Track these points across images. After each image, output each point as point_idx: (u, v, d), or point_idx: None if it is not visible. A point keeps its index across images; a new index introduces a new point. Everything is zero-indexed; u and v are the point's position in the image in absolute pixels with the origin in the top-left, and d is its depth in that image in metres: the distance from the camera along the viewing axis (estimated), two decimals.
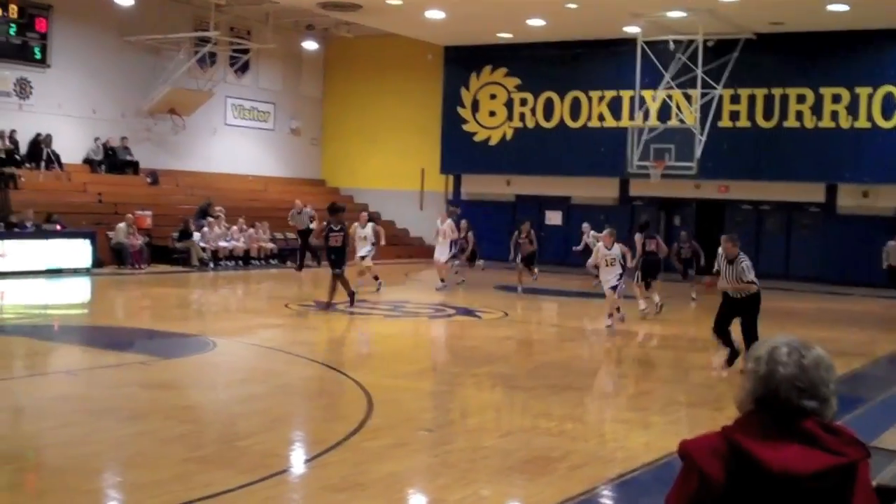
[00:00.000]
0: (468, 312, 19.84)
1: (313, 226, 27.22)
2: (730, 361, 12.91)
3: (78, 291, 22.47)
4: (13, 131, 28.21)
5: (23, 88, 29.10)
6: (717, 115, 29.92)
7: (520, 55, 34.03)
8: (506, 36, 32.72)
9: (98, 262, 25.23)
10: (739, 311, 12.89)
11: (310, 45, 36.28)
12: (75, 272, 23.99)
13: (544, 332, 19.02)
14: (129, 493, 7.45)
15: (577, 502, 7.37)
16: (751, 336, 12.41)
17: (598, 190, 33.56)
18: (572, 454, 8.78)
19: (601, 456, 8.88)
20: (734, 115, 30.71)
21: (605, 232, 17.88)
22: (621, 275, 17.21)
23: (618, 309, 17.31)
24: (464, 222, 26.31)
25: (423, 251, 35.55)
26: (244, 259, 29.11)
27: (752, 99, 30.54)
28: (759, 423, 2.75)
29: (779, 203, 31.26)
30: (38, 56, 29.43)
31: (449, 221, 24.80)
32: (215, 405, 10.33)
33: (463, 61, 35.39)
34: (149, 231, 27.56)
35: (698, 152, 28.68)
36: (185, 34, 32.03)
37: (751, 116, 30.54)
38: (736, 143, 30.30)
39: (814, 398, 2.75)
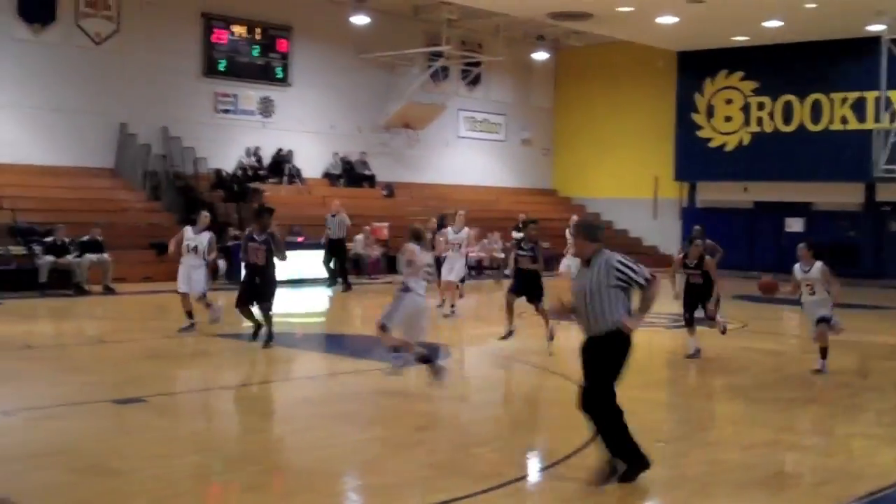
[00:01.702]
0: (704, 322, 19.29)
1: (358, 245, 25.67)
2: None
3: (318, 301, 23.23)
4: (257, 148, 29.60)
5: (266, 107, 30.45)
6: None
7: (756, 58, 33.06)
8: (741, 39, 31.85)
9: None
10: None
11: (540, 55, 36.35)
12: (314, 282, 24.81)
13: (786, 344, 18.29)
14: (368, 497, 7.59)
15: None
16: None
17: (842, 195, 32.16)
18: (817, 470, 8.39)
19: (849, 472, 8.44)
20: None
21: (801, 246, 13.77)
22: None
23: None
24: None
25: (657, 260, 34.92)
26: (477, 269, 29.39)
27: None
28: None
29: None
30: (280, 75, 30.73)
31: (466, 229, 19.97)
32: (451, 412, 10.42)
33: (696, 66, 34.68)
34: (385, 242, 28.25)
35: None
36: (418, 50, 32.73)
37: None
38: None
39: None
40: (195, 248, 15.42)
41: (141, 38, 27.47)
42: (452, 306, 19.20)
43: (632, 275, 7.61)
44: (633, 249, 35.36)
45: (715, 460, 8.75)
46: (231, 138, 29.30)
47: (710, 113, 34.73)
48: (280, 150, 30.32)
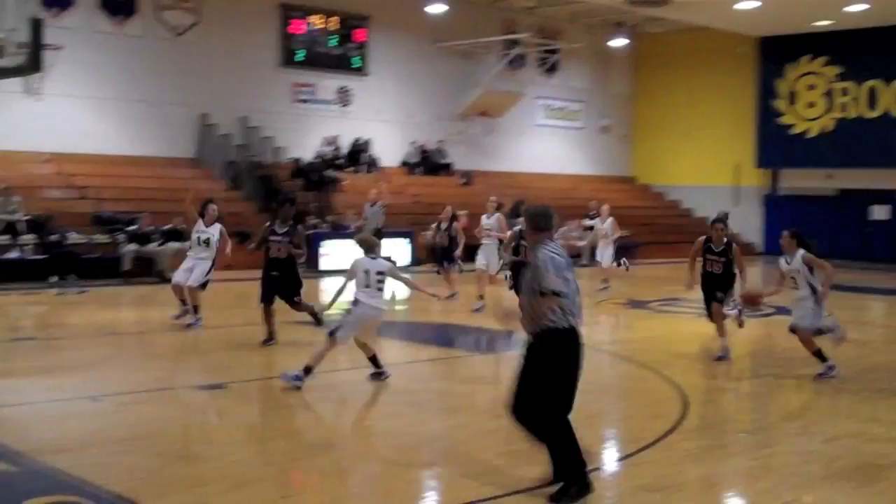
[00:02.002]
0: (789, 312, 19.01)
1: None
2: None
3: (397, 288, 23.30)
4: (335, 137, 29.79)
5: (344, 96, 30.63)
6: None
7: (840, 43, 32.44)
8: (824, 23, 31.24)
9: (416, 261, 26.15)
10: None
11: (618, 42, 36.07)
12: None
13: (872, 333, 17.92)
14: (448, 484, 7.60)
15: None
16: None
17: None
18: None
19: None
20: None
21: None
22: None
23: None
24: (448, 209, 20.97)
25: (738, 248, 34.53)
26: None
27: None
28: None
29: None
30: (358, 65, 30.88)
31: (498, 215, 19.26)
32: None
33: (778, 51, 34.13)
34: (464, 230, 28.18)
35: None
36: (495, 38, 32.65)
37: None
38: None
39: None
40: (206, 241, 14.65)
41: (220, 30, 27.80)
42: (481, 297, 18.01)
43: (540, 280, 6.76)
44: None
45: (799, 451, 8.61)
46: (309, 128, 29.54)
47: (793, 99, 34.16)
48: (358, 139, 30.49)
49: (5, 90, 21.83)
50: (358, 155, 30.22)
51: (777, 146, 34.32)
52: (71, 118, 25.14)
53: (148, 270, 21.64)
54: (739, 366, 13.61)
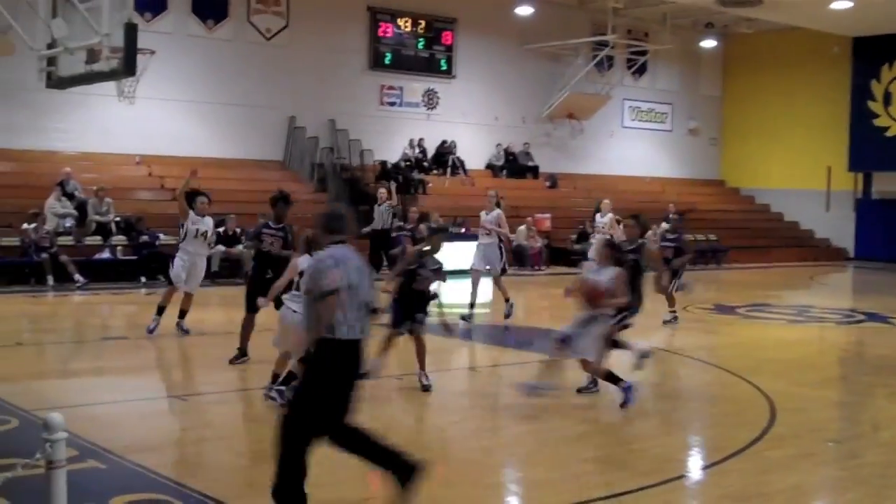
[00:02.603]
0: (880, 318, 18.63)
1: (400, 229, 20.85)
2: None
3: (482, 291, 23.26)
4: (421, 139, 29.91)
5: (430, 99, 30.72)
6: None
7: None
8: None
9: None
10: None
11: (708, 43, 35.66)
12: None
13: None
14: (528, 489, 7.56)
15: None
16: None
17: None
18: None
19: None
20: None
21: None
22: None
23: None
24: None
25: (829, 253, 34.02)
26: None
27: None
28: None
29: None
30: (444, 67, 30.96)
31: (498, 212, 16.86)
32: (613, 406, 10.28)
33: (873, 52, 33.38)
34: (548, 233, 28.17)
35: None
36: (583, 39, 32.46)
37: None
38: None
39: None
40: (204, 234, 13.71)
41: (309, 33, 28.08)
42: (507, 300, 16.37)
43: (310, 283, 6.36)
44: (804, 242, 34.46)
45: (889, 462, 8.39)
46: (396, 130, 29.68)
47: (888, 100, 33.39)
48: (444, 141, 30.55)
49: (100, 94, 22.26)
50: (444, 157, 30.28)
51: (870, 149, 33.57)
52: (162, 121, 25.60)
53: (236, 272, 21.91)
54: (828, 373, 13.35)
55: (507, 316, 16.28)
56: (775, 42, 35.34)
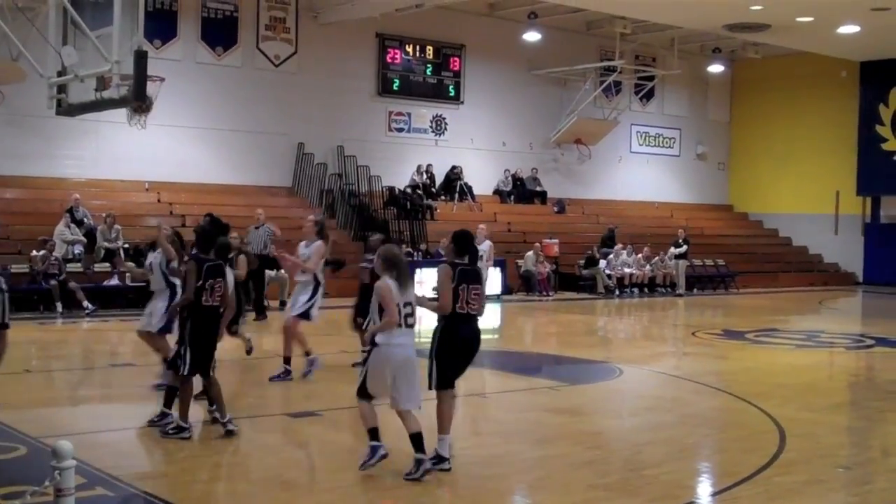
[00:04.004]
0: (890, 343, 18.57)
1: (271, 251, 19.42)
2: None
3: (489, 317, 23.27)
4: (429, 165, 29.99)
5: (438, 125, 30.81)
6: None
7: None
8: None
9: (508, 289, 26.13)
10: None
11: (716, 68, 35.75)
12: (486, 298, 24.84)
13: None
14: None
15: None
16: None
17: None
18: None
19: None
20: None
21: None
22: None
23: None
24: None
25: (838, 278, 33.98)
26: (650, 286, 28.97)
27: None
28: None
29: None
30: (452, 93, 31.07)
31: (318, 242, 13.36)
32: (621, 432, 10.26)
33: (881, 76, 33.44)
34: (556, 259, 28.17)
35: None
36: (590, 65, 32.55)
37: None
38: None
39: None
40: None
41: (317, 60, 28.20)
42: (308, 353, 13.17)
43: None
44: (812, 267, 34.42)
45: None
46: (404, 156, 29.76)
47: None
48: (452, 167, 30.61)
49: (109, 121, 22.38)
50: (451, 183, 30.34)
51: (879, 173, 33.57)
52: (171, 148, 25.69)
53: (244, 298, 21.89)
54: (838, 398, 13.30)
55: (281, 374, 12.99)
56: (783, 67, 35.40)
